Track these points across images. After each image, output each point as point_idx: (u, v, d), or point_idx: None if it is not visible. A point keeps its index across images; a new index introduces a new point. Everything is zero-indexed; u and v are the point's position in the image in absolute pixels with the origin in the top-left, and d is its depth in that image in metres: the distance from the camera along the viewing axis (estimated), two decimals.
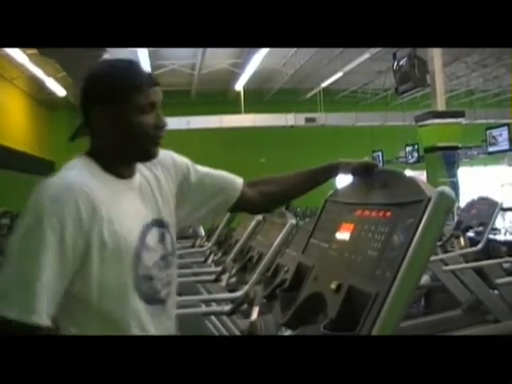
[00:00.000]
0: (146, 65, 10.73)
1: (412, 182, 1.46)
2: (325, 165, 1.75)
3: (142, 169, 1.54)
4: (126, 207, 1.44)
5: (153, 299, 1.45)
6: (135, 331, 1.41)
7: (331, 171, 1.74)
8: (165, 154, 1.62)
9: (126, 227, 1.40)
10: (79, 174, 1.39)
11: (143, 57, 10.54)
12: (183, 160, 1.67)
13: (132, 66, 1.46)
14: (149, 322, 1.44)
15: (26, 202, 1.32)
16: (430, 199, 1.31)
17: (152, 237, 1.47)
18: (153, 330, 1.44)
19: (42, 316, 1.26)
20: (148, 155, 1.49)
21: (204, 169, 1.69)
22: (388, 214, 1.46)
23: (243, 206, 1.74)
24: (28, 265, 1.26)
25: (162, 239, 1.51)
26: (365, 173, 1.70)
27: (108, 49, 5.82)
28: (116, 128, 1.44)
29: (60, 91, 14.75)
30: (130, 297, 1.40)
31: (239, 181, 1.72)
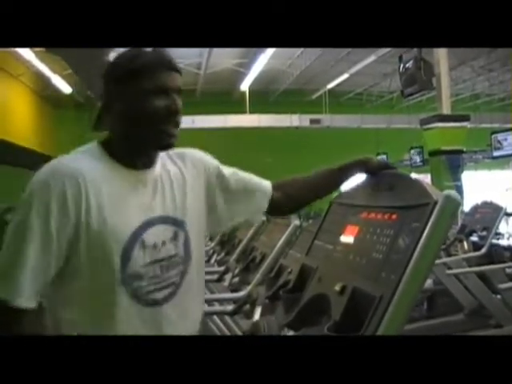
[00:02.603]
0: None
1: (418, 185, 1.46)
2: (348, 163, 1.72)
3: (167, 163, 1.50)
4: (126, 199, 1.38)
5: (144, 299, 1.38)
6: (122, 330, 1.35)
7: (354, 170, 1.72)
8: (199, 155, 1.60)
9: (119, 219, 1.34)
10: (77, 160, 1.37)
11: None
12: (215, 162, 1.63)
13: (151, 50, 1.42)
14: (138, 323, 1.38)
15: None
16: (436, 203, 1.31)
17: (154, 234, 1.40)
18: (143, 331, 1.38)
19: (28, 299, 1.27)
20: (157, 143, 1.42)
21: (233, 173, 1.64)
22: (394, 216, 1.45)
23: (270, 209, 1.69)
24: (13, 249, 1.27)
25: (173, 238, 1.44)
26: (380, 172, 1.68)
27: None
28: (124, 110, 1.39)
29: (66, 88, 14.74)
30: (117, 292, 1.35)
31: (269, 187, 1.69)
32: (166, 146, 1.44)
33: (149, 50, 1.42)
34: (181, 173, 1.52)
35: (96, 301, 1.35)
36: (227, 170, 1.63)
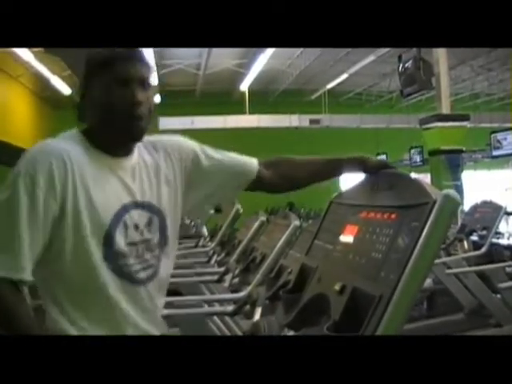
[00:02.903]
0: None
1: (417, 184, 1.46)
2: (347, 157, 1.73)
3: (141, 151, 1.53)
4: (109, 183, 1.43)
5: (128, 277, 1.45)
6: (106, 303, 1.42)
7: (351, 166, 1.72)
8: (170, 140, 1.62)
9: (102, 200, 1.40)
10: (61, 142, 1.42)
11: (148, 56, 10.56)
12: (191, 146, 1.64)
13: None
14: (122, 298, 1.44)
15: None
16: (435, 202, 1.30)
17: (135, 217, 1.46)
18: (127, 307, 1.45)
19: (27, 272, 1.31)
20: (124, 134, 1.46)
21: (216, 153, 1.66)
22: (393, 216, 1.45)
23: (260, 186, 1.71)
24: (6, 225, 1.31)
25: (148, 223, 1.50)
26: (379, 171, 1.67)
27: None
28: (90, 103, 1.45)
29: (65, 89, 14.74)
30: (101, 269, 1.40)
31: (254, 162, 1.69)
32: (132, 139, 1.48)
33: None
34: (155, 161, 1.56)
35: (82, 278, 1.41)
36: (205, 153, 1.64)
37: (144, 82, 1.44)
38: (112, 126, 1.43)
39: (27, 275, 1.32)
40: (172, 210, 1.57)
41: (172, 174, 1.58)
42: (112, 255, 1.42)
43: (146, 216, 1.49)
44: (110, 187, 1.43)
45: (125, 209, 1.44)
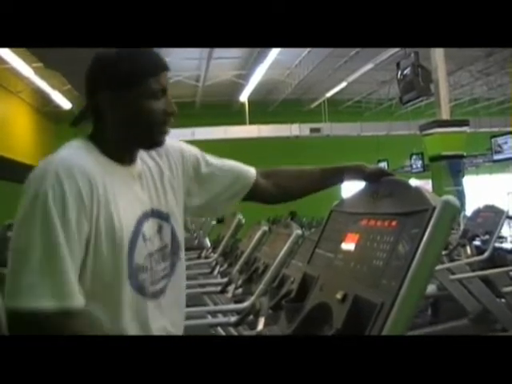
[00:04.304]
0: None
1: (417, 191, 1.46)
2: (344, 166, 1.72)
3: (144, 157, 1.51)
4: (124, 193, 1.40)
5: (147, 291, 1.42)
6: (128, 323, 1.37)
7: (350, 174, 1.72)
8: (173, 145, 1.59)
9: (122, 213, 1.36)
10: (78, 155, 1.35)
11: None
12: (193, 151, 1.64)
13: (145, 50, 1.42)
14: (143, 315, 1.40)
15: None
16: (434, 208, 1.31)
17: (149, 227, 1.44)
18: (149, 323, 1.41)
19: (79, 298, 1.26)
20: (155, 142, 1.45)
21: (215, 160, 1.66)
22: (393, 223, 1.46)
23: (256, 196, 1.71)
24: (43, 251, 1.23)
25: (159, 230, 1.47)
26: (379, 179, 1.68)
27: None
28: (125, 113, 1.39)
29: (65, 104, 14.81)
30: (123, 285, 1.36)
31: (252, 171, 1.69)
32: (160, 144, 1.47)
33: (137, 49, 1.42)
34: (158, 166, 1.54)
35: (104, 296, 1.35)
36: (205, 160, 1.64)
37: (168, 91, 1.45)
38: (145, 134, 1.42)
39: (81, 301, 1.27)
40: (177, 214, 1.55)
41: (175, 179, 1.56)
42: (134, 271, 1.38)
43: (156, 224, 1.47)
44: (126, 199, 1.39)
45: (141, 220, 1.41)
